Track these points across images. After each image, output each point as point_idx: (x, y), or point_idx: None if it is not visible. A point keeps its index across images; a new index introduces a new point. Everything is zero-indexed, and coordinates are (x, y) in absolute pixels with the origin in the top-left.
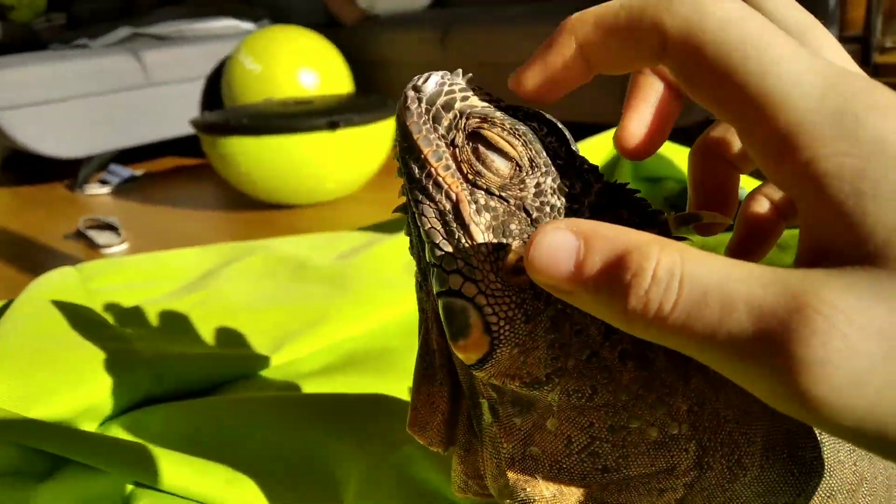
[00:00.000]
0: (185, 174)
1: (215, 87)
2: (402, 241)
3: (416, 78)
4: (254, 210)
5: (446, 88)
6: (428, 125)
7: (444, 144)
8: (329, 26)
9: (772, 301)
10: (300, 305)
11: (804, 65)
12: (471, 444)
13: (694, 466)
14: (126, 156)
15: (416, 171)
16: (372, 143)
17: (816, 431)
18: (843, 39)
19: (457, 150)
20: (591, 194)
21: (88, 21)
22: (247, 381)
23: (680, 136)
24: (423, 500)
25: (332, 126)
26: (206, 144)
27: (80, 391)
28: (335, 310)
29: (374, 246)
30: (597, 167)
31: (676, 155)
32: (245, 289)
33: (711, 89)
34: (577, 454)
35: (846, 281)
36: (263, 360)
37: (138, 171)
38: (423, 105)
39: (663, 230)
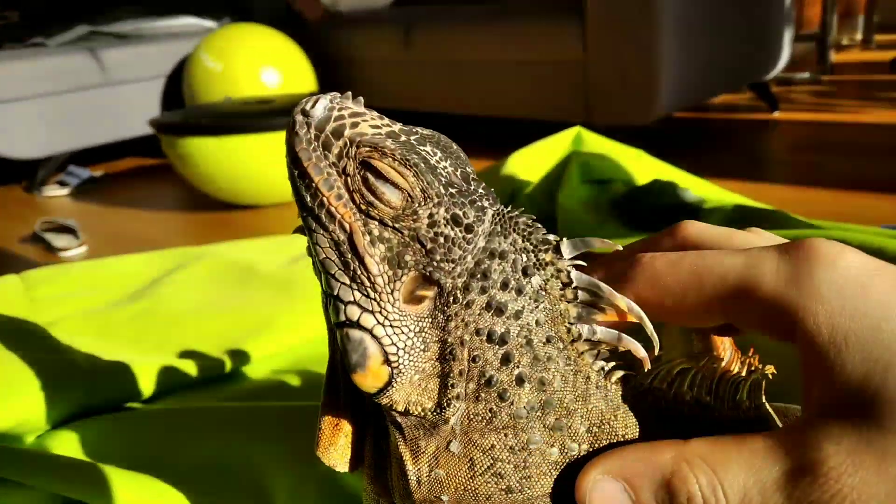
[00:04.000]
0: (146, 175)
1: (176, 87)
2: None
3: (303, 101)
4: (215, 211)
5: (336, 114)
6: (318, 152)
7: (335, 172)
8: (291, 24)
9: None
10: (245, 313)
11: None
12: (381, 463)
13: None
14: (85, 156)
15: (308, 199)
16: None
17: None
18: (799, 38)
19: (348, 178)
20: (483, 221)
21: (44, 19)
22: (187, 390)
23: (640, 135)
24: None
25: None
26: (166, 145)
27: (12, 404)
28: (281, 316)
29: None
30: (492, 191)
31: (625, 158)
32: (190, 296)
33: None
34: (481, 475)
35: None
36: (207, 370)
37: (97, 172)
38: (313, 131)
39: (556, 253)
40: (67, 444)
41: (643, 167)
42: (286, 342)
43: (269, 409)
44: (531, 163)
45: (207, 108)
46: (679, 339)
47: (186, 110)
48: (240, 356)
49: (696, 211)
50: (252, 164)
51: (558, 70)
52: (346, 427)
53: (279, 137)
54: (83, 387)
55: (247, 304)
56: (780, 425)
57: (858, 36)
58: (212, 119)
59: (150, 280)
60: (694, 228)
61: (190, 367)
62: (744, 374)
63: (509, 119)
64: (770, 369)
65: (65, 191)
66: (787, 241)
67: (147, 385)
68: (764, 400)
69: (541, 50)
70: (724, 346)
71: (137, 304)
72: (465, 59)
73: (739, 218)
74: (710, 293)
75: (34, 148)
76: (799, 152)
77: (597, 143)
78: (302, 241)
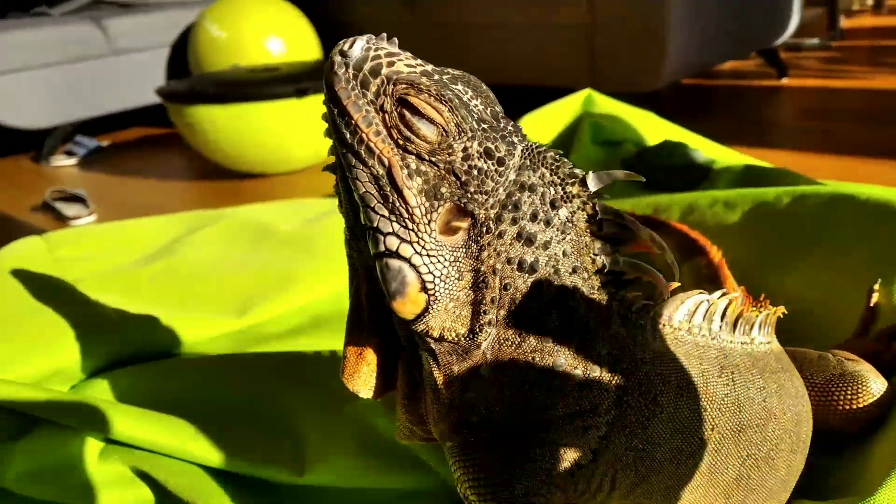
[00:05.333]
0: (153, 144)
1: (181, 55)
2: None
3: (341, 42)
4: (222, 179)
5: (372, 53)
6: (356, 91)
7: (373, 110)
8: None
9: None
10: (266, 270)
11: None
12: (414, 392)
13: (614, 405)
14: (92, 126)
15: (348, 136)
16: None
17: (728, 370)
18: (810, 3)
19: (386, 115)
20: (514, 156)
21: None
22: (213, 343)
23: (648, 101)
24: (379, 447)
25: (300, 93)
26: (173, 113)
27: (48, 355)
28: (301, 273)
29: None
30: (520, 128)
31: (636, 119)
32: (210, 255)
33: None
34: (510, 397)
35: None
36: (230, 323)
37: (105, 142)
38: (351, 70)
39: (583, 186)
40: (102, 393)
41: (653, 128)
42: (307, 298)
43: (295, 355)
44: (542, 125)
45: (214, 76)
46: (691, 279)
47: (193, 79)
48: (262, 311)
49: (707, 171)
50: (260, 131)
51: (564, 34)
52: (370, 357)
53: (286, 105)
54: (115, 338)
55: (266, 262)
56: (790, 361)
57: (869, 1)
58: (218, 87)
59: (168, 241)
60: None
61: (214, 322)
62: (757, 312)
63: (515, 86)
64: (781, 310)
65: (73, 160)
66: None
67: (175, 337)
68: (774, 337)
69: (546, 13)
70: (736, 289)
71: (158, 263)
72: (470, 23)
73: (748, 179)
74: None
75: (41, 118)
76: (808, 119)
77: (607, 105)
78: (316, 203)
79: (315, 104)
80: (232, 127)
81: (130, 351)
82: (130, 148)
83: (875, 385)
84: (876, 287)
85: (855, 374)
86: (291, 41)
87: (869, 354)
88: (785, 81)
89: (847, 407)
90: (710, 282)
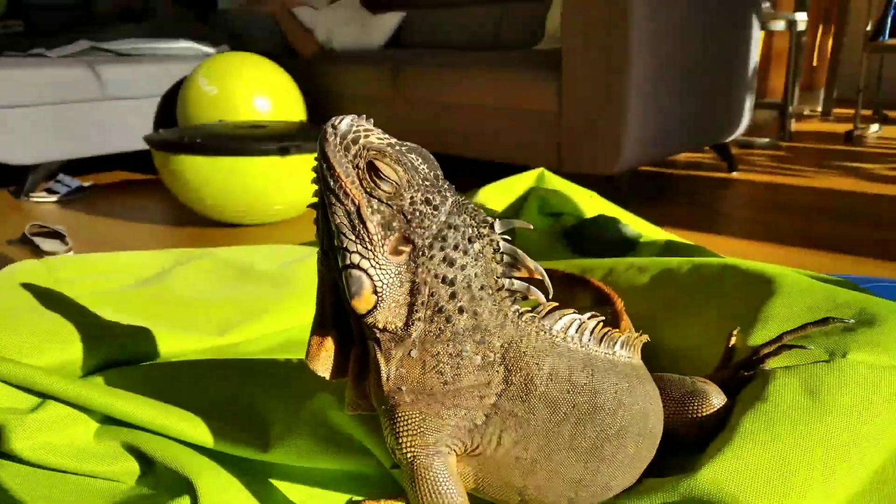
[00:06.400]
0: (134, 188)
1: (170, 106)
2: None
3: (333, 118)
4: (199, 226)
5: (354, 128)
6: (341, 153)
7: (351, 166)
8: (286, 56)
9: None
10: (245, 300)
11: None
12: (362, 373)
13: (502, 382)
14: (75, 167)
15: (332, 182)
16: None
17: (589, 367)
18: (763, 105)
19: (359, 171)
20: (445, 204)
21: (46, 31)
22: (196, 354)
23: (608, 185)
24: (332, 435)
25: (283, 152)
26: (159, 161)
27: (49, 352)
28: (277, 305)
29: (315, 255)
30: (453, 186)
31: (578, 195)
32: (195, 285)
33: None
34: (429, 372)
35: None
36: (212, 340)
37: (87, 183)
38: (338, 138)
39: (491, 229)
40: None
41: (593, 205)
42: (281, 325)
43: (268, 362)
44: (499, 194)
45: (201, 128)
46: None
47: (182, 129)
48: (240, 333)
49: (634, 243)
50: (241, 184)
51: (534, 119)
52: (328, 344)
53: (268, 161)
54: (110, 344)
55: (246, 294)
56: (647, 374)
57: (819, 108)
58: (206, 139)
59: (159, 270)
60: None
61: (198, 338)
62: (620, 334)
63: (487, 161)
64: (645, 337)
65: (53, 198)
66: None
67: (162, 347)
68: (638, 356)
69: (520, 99)
70: (631, 329)
71: (149, 288)
72: (448, 102)
73: (668, 250)
74: None
75: (28, 154)
76: (755, 210)
77: (555, 182)
78: (292, 249)
79: (296, 162)
80: (215, 178)
81: (123, 356)
82: (112, 190)
83: (716, 399)
84: (735, 332)
85: (703, 391)
86: (279, 102)
87: (722, 381)
88: (735, 175)
89: (696, 416)
90: (613, 325)
